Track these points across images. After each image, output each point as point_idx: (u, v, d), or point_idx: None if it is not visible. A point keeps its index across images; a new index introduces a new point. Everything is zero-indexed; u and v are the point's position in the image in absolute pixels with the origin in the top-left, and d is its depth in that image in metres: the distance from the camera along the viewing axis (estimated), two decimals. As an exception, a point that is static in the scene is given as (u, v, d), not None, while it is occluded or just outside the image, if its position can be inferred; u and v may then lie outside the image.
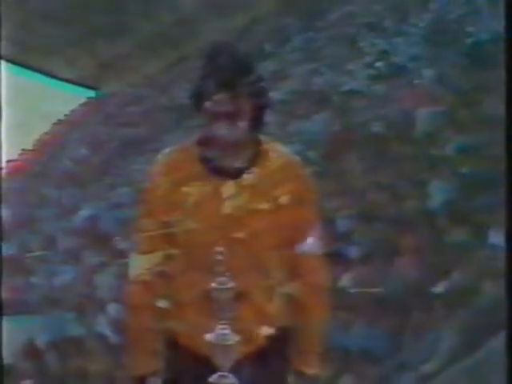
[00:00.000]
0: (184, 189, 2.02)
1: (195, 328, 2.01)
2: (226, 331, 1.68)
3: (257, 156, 2.06)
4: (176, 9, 13.11)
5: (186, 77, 10.18)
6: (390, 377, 4.14)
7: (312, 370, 2.16)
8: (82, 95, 14.21)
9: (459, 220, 5.16)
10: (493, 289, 4.24)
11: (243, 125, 1.96)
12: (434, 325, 4.34)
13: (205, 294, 1.88)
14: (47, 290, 7.02)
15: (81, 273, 6.87)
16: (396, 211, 5.51)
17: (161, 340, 2.09)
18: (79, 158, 11.58)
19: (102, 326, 5.57)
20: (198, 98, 1.97)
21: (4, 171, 9.12)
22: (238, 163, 2.02)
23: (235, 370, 1.69)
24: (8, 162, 10.77)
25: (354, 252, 5.21)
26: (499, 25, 7.69)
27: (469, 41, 7.91)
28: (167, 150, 2.13)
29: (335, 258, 4.40)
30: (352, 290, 4.76)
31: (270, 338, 2.07)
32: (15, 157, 12.06)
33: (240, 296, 1.91)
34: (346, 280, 4.98)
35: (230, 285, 1.71)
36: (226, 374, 1.69)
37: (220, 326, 1.69)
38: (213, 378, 1.67)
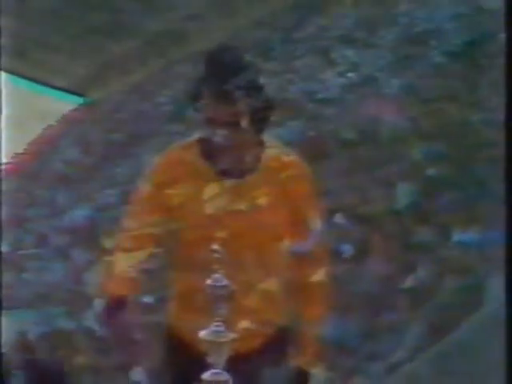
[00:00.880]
0: (169, 191, 2.00)
1: (180, 322, 1.99)
2: (221, 328, 1.62)
3: (259, 158, 1.99)
4: (162, 20, 13.08)
5: (169, 84, 10.15)
6: (361, 366, 4.14)
7: (311, 367, 2.10)
8: (71, 101, 14.12)
9: (424, 220, 5.18)
10: (455, 284, 4.26)
11: (243, 128, 1.89)
12: (401, 317, 4.35)
13: (189, 291, 1.87)
14: (38, 286, 6.97)
15: (70, 270, 6.84)
16: (366, 212, 5.52)
17: (148, 334, 2.07)
18: (69, 161, 11.53)
19: (90, 320, 5.54)
20: (195, 99, 1.90)
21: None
22: (241, 166, 1.96)
23: (229, 366, 1.62)
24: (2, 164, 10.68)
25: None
26: (461, 39, 7.78)
27: (433, 53, 7.96)
28: (171, 147, 2.05)
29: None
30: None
31: (265, 336, 2.02)
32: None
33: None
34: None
35: (225, 282, 1.66)
36: (219, 371, 1.61)
37: (214, 323, 1.62)
38: (206, 375, 1.60)
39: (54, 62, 13.34)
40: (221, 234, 1.96)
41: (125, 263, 2.05)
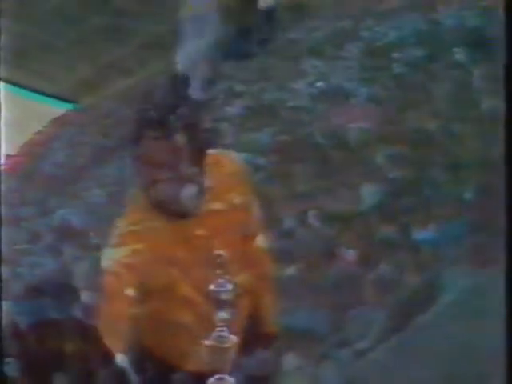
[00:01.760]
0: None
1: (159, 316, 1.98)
2: (224, 333, 1.53)
3: (203, 184, 1.87)
4: (145, 33, 13.03)
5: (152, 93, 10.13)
6: (330, 353, 4.16)
7: (271, 328, 2.05)
8: (61, 107, 14.04)
9: (387, 219, 5.21)
10: (415, 278, 4.29)
11: (182, 170, 1.76)
12: (367, 308, 4.38)
13: (169, 286, 1.86)
14: (31, 279, 6.92)
15: (60, 264, 6.80)
16: (335, 212, 5.54)
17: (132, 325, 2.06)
18: (59, 163, 11.46)
19: (78, 311, 5.50)
20: (133, 143, 1.79)
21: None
22: (188, 200, 1.84)
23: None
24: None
25: (298, 247, 5.22)
26: (420, 52, 7.82)
27: (395, 65, 8.01)
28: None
29: (283, 253, 4.41)
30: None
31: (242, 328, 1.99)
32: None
33: (199, 286, 1.88)
34: (291, 271, 4.99)
35: (229, 287, 1.57)
36: (223, 376, 1.52)
37: (218, 329, 1.53)
38: (210, 381, 1.51)
39: (48, 70, 13.25)
40: (199, 232, 1.94)
41: (110, 258, 2.05)
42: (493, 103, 6.43)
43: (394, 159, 6.05)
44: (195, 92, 8.25)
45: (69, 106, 14.16)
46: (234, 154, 2.04)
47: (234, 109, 8.91)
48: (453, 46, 7.48)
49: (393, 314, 4.14)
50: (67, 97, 13.67)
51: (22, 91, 13.14)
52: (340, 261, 4.89)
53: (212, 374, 1.56)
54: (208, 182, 1.91)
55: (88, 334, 5.08)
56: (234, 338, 1.52)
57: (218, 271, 1.59)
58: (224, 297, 1.53)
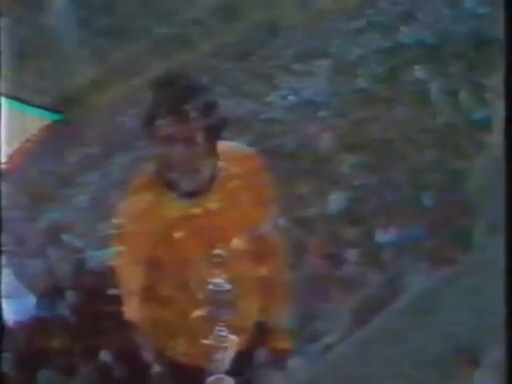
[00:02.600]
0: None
1: (139, 314, 1.97)
2: (224, 333, 1.45)
3: (214, 176, 1.84)
4: (126, 49, 12.98)
5: (134, 105, 10.09)
6: (301, 347, 4.16)
7: (285, 345, 1.96)
8: (49, 118, 13.95)
9: (352, 223, 5.23)
10: (377, 278, 4.31)
11: (197, 146, 1.75)
12: (334, 304, 4.39)
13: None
14: (18, 279, 6.85)
15: (45, 265, 6.75)
16: (304, 216, 5.56)
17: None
18: (45, 170, 11.38)
19: (62, 309, 5.47)
20: (148, 123, 1.78)
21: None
22: (196, 184, 1.82)
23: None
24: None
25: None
26: (385, 69, 7.88)
27: (360, 81, 8.08)
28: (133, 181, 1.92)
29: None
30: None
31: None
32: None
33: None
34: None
35: (228, 287, 1.48)
36: (223, 375, 1.43)
37: (217, 328, 1.46)
38: (210, 380, 1.42)
39: (36, 82, 13.14)
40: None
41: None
42: (449, 115, 6.50)
43: (359, 168, 6.10)
44: None
45: (56, 117, 14.07)
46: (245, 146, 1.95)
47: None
48: (413, 63, 7.56)
49: (357, 311, 4.16)
50: (54, 108, 13.58)
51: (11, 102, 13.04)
52: (309, 261, 4.90)
53: (211, 373, 1.49)
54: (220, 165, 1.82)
55: (72, 331, 5.04)
56: (233, 338, 1.45)
57: (216, 271, 1.54)
58: (222, 297, 1.46)
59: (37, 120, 13.46)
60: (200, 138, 1.73)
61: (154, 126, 1.70)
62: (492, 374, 4.36)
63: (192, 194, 1.79)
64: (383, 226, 4.99)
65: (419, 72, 7.40)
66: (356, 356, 3.64)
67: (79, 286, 4.81)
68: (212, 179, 1.82)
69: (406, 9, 9.36)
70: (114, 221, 1.98)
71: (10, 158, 13.02)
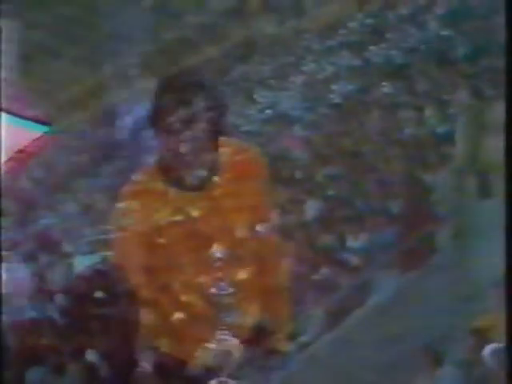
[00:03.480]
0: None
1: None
2: (226, 337, 1.39)
3: (216, 164, 1.77)
4: (113, 63, 12.94)
5: (122, 117, 10.05)
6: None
7: (284, 347, 1.87)
8: (38, 130, 13.82)
9: (326, 229, 5.25)
10: (349, 281, 4.31)
11: (202, 134, 1.69)
12: (309, 307, 4.39)
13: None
14: (10, 283, 6.77)
15: (36, 270, 6.68)
16: (281, 223, 5.55)
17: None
18: (36, 179, 11.29)
19: (52, 311, 5.41)
20: (156, 114, 1.72)
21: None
22: (199, 174, 1.76)
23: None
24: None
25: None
26: (355, 85, 7.90)
27: (333, 96, 8.13)
28: (134, 176, 1.86)
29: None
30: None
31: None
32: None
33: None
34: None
35: (230, 290, 1.42)
36: (225, 379, 1.37)
37: (220, 332, 1.39)
38: (212, 382, 1.36)
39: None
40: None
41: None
42: (415, 129, 6.56)
43: (332, 178, 6.13)
44: None
45: (45, 129, 13.96)
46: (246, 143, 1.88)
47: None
48: (381, 80, 7.63)
49: (330, 312, 4.16)
50: (43, 120, 13.49)
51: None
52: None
53: (214, 376, 1.44)
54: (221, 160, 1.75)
55: (61, 331, 4.98)
56: (236, 341, 1.40)
57: (215, 274, 1.49)
58: (225, 300, 1.41)
59: (26, 131, 13.39)
60: (205, 132, 1.68)
61: (162, 120, 1.66)
62: (454, 372, 4.39)
63: (196, 188, 1.74)
64: (355, 233, 5.02)
65: (387, 89, 7.47)
66: (326, 355, 3.64)
67: (68, 289, 4.77)
68: (213, 174, 1.76)
69: (375, 29, 9.46)
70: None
71: (1, 167, 12.89)
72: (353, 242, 4.95)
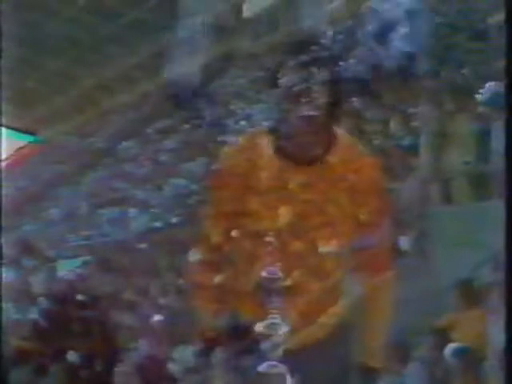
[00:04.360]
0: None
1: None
2: (277, 321, 1.21)
3: (331, 145, 1.64)
4: (99, 75, 12.90)
5: (103, 129, 9.99)
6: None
7: (375, 362, 1.73)
8: (24, 140, 13.75)
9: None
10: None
11: (321, 108, 1.57)
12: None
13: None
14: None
15: (20, 274, 6.61)
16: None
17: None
18: (21, 187, 11.18)
19: (35, 314, 5.35)
20: (274, 83, 1.59)
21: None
22: (313, 151, 1.63)
23: (292, 358, 1.21)
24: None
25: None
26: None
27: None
28: (245, 135, 1.74)
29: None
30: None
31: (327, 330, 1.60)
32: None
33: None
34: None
35: (280, 275, 1.36)
36: (275, 363, 1.19)
37: (270, 316, 1.22)
38: (262, 367, 1.30)
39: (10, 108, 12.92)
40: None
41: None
42: (382, 141, 6.61)
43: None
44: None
45: (30, 139, 13.83)
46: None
47: (171, 143, 8.91)
48: (350, 95, 7.71)
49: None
50: (28, 130, 13.36)
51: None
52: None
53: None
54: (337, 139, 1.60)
55: (43, 333, 4.95)
56: (286, 327, 1.33)
57: (268, 259, 1.42)
58: (275, 285, 1.34)
59: (12, 141, 13.20)
60: (323, 98, 1.58)
61: (279, 85, 1.58)
62: (419, 369, 4.42)
63: (304, 163, 1.65)
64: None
65: (356, 103, 7.56)
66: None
67: (51, 292, 4.72)
68: (326, 152, 1.65)
69: (345, 46, 9.52)
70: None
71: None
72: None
